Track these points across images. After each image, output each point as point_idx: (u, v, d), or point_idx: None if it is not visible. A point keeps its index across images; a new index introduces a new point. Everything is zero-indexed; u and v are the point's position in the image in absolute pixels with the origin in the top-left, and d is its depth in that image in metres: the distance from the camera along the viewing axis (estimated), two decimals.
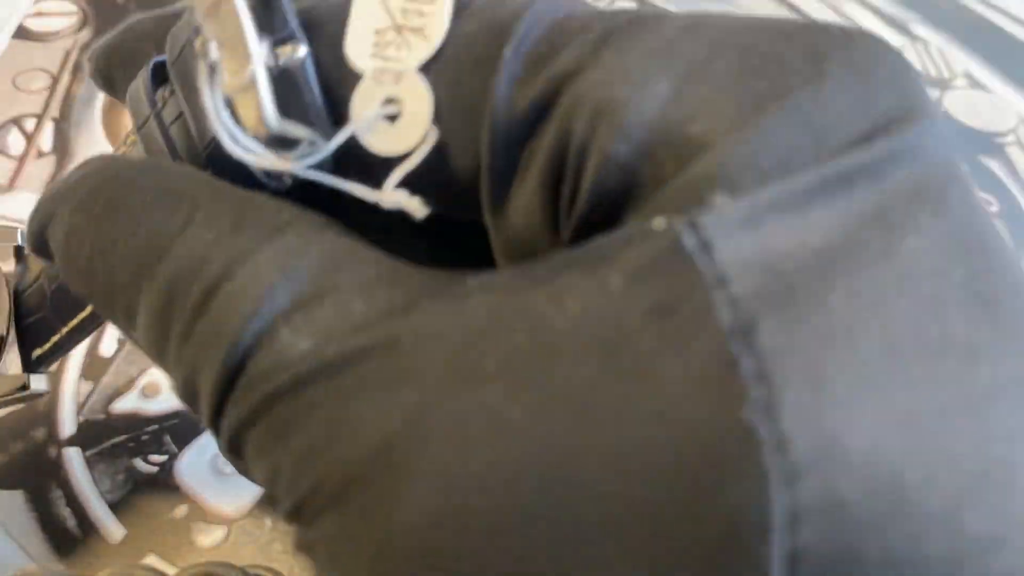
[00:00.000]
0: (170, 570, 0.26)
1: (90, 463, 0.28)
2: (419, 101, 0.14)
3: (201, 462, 0.28)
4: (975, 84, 0.43)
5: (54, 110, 0.38)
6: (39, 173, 0.36)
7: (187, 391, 0.14)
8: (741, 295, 0.11)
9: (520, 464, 0.11)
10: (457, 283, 0.13)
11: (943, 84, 0.43)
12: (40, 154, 0.36)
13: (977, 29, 0.46)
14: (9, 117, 0.38)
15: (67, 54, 0.40)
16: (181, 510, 0.27)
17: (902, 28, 0.46)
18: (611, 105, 0.12)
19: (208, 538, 0.27)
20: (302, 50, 0.15)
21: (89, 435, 0.29)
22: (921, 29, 0.46)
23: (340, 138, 0.14)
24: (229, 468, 0.28)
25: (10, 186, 0.35)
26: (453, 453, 0.11)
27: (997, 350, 0.11)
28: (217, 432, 0.14)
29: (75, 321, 0.21)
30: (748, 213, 0.11)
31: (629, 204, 0.13)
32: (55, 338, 0.21)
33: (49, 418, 0.29)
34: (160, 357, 0.14)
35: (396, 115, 0.14)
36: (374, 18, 0.15)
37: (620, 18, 0.14)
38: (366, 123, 0.14)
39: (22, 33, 0.41)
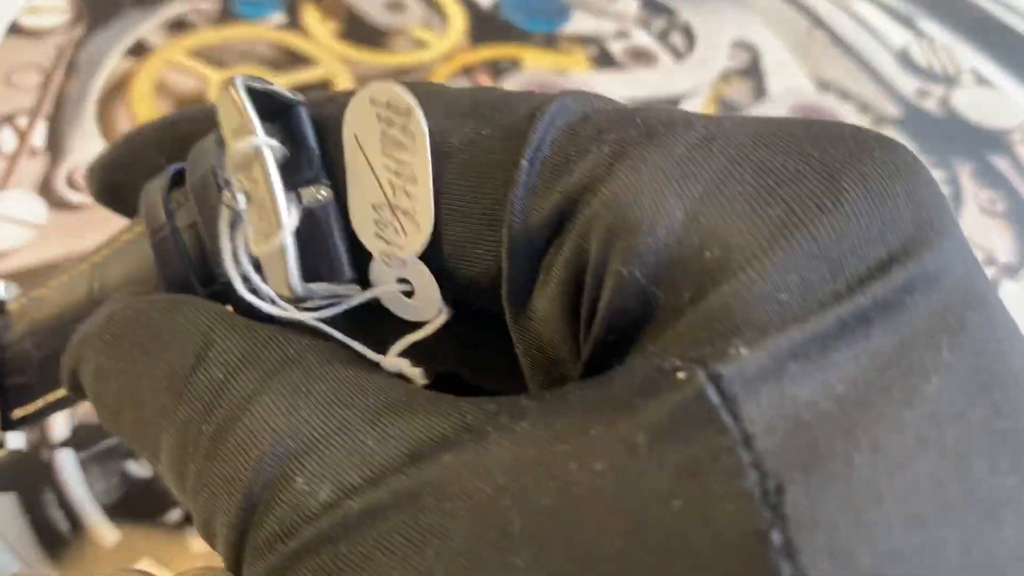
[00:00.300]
0: (164, 574, 0.26)
1: (83, 466, 0.28)
2: (428, 286, 0.15)
3: None
4: (982, 81, 0.43)
5: (47, 107, 0.38)
6: (32, 171, 0.35)
7: (206, 533, 0.14)
8: (766, 454, 0.10)
9: None
10: (474, 422, 0.12)
11: (949, 81, 0.43)
12: (33, 152, 0.36)
13: (984, 25, 0.46)
14: (2, 114, 0.37)
15: (61, 51, 0.40)
16: (175, 514, 0.27)
17: (908, 24, 0.46)
18: (626, 227, 0.12)
19: (202, 542, 0.26)
20: (326, 193, 0.15)
21: (82, 438, 0.28)
22: (927, 25, 0.46)
23: (358, 299, 0.15)
24: None
25: (2, 184, 0.35)
26: None
27: (1021, 499, 0.11)
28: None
29: (61, 393, 0.20)
30: (769, 363, 0.11)
31: (646, 326, 0.12)
32: (40, 403, 0.20)
33: (40, 421, 0.28)
34: (181, 497, 0.14)
35: (410, 292, 0.15)
36: (370, 191, 0.15)
37: (634, 126, 0.13)
38: (385, 295, 0.15)
39: (15, 29, 0.40)
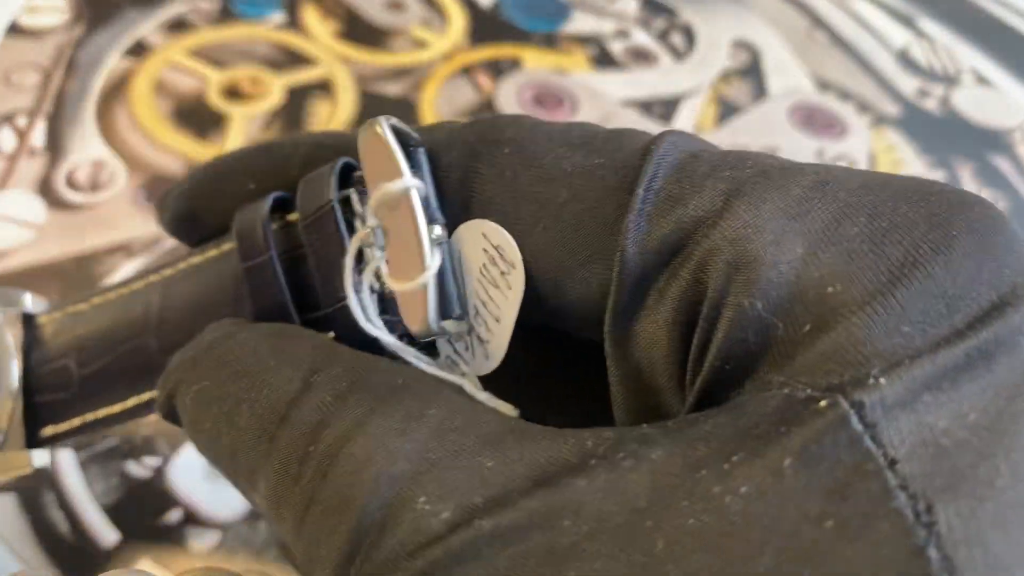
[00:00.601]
0: (163, 574, 0.26)
1: (83, 466, 0.28)
2: (502, 346, 0.16)
3: (195, 466, 0.28)
4: (982, 80, 0.43)
5: (47, 107, 0.37)
6: (31, 171, 0.35)
7: (310, 557, 0.13)
8: (912, 476, 0.11)
9: None
10: (596, 449, 0.13)
11: (949, 80, 0.43)
12: (32, 152, 0.36)
13: (984, 25, 0.46)
14: (1, 113, 0.37)
15: (60, 50, 0.40)
16: (175, 514, 0.27)
17: (908, 23, 0.46)
18: (747, 260, 0.13)
19: (202, 543, 0.26)
20: (441, 231, 0.15)
21: (82, 438, 0.28)
22: (928, 25, 0.46)
23: (473, 369, 0.16)
24: None
25: (2, 184, 0.35)
26: None
27: None
28: None
29: (103, 413, 0.20)
30: (905, 392, 0.11)
31: (763, 356, 0.13)
32: (76, 422, 0.20)
33: None
34: (280, 523, 0.14)
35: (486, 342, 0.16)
36: (477, 255, 0.16)
37: (746, 167, 0.14)
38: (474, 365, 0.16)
39: (15, 29, 0.40)
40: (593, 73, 0.41)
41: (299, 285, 0.17)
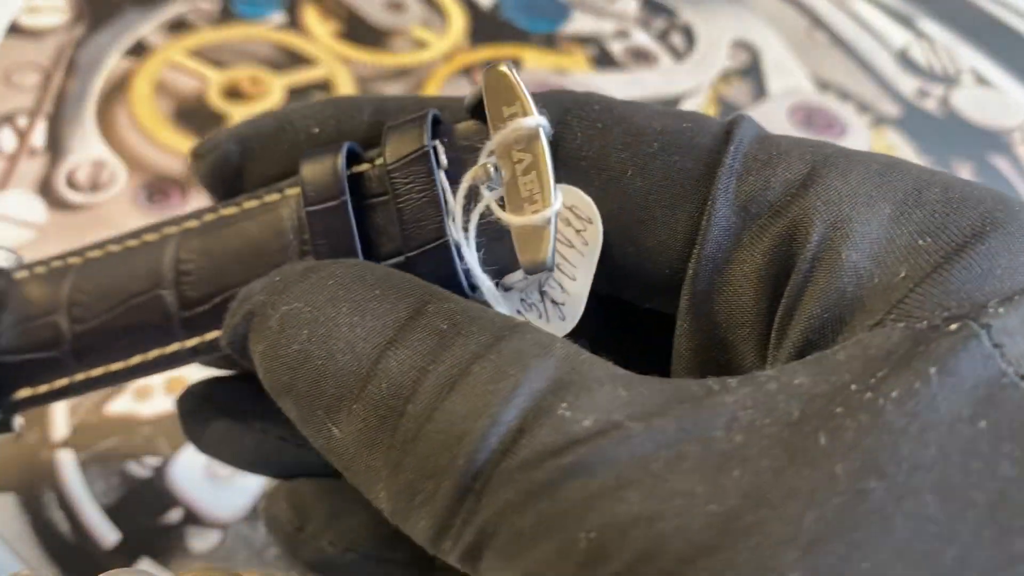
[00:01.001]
0: (163, 574, 0.26)
1: (83, 466, 0.28)
2: (579, 306, 0.16)
3: (195, 466, 0.28)
4: (981, 81, 0.43)
5: (47, 107, 0.37)
6: (32, 171, 0.35)
7: (408, 493, 0.13)
8: None
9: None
10: (725, 383, 0.13)
11: (949, 81, 0.43)
12: (32, 152, 0.36)
13: (983, 25, 0.46)
14: (1, 113, 0.37)
15: (60, 51, 0.40)
16: (175, 514, 0.27)
17: (908, 24, 0.46)
18: (843, 218, 0.15)
19: (202, 542, 0.27)
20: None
21: (82, 438, 0.28)
22: (927, 25, 0.46)
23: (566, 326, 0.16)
24: (224, 471, 0.28)
25: (2, 184, 0.35)
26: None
27: None
28: (452, 532, 0.13)
29: (99, 372, 0.19)
30: (1020, 321, 0.13)
31: (861, 306, 0.14)
32: (61, 382, 0.19)
33: (42, 420, 0.28)
34: (371, 454, 0.14)
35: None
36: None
37: (824, 147, 0.16)
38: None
39: (15, 29, 0.40)
40: (593, 73, 0.41)
41: (362, 236, 0.17)
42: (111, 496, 0.27)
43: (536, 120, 0.15)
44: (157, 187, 0.35)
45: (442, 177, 0.16)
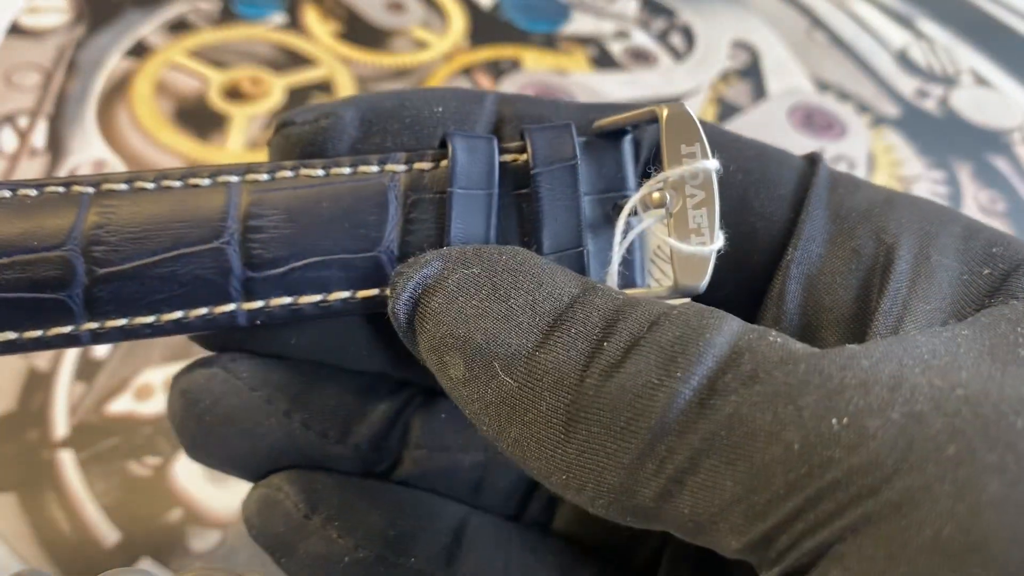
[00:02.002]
0: (164, 574, 0.26)
1: (84, 466, 0.28)
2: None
3: (196, 466, 0.28)
4: (981, 81, 0.43)
5: (48, 107, 0.38)
6: (33, 171, 0.35)
7: (631, 408, 0.14)
8: None
9: None
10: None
11: (949, 81, 0.43)
12: (33, 152, 0.36)
13: (983, 26, 0.46)
14: (2, 114, 0.37)
15: (61, 51, 0.40)
16: (176, 513, 0.27)
17: (908, 24, 0.46)
18: (926, 230, 0.17)
19: (203, 542, 0.27)
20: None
21: (82, 437, 0.28)
22: (927, 26, 0.46)
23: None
24: None
25: None
26: None
27: None
28: (653, 461, 0.14)
29: (119, 322, 0.16)
30: None
31: (954, 299, 0.16)
32: (64, 329, 0.16)
33: (42, 420, 0.28)
34: (521, 414, 0.15)
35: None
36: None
37: (880, 190, 0.19)
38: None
39: (16, 29, 0.40)
40: (593, 73, 0.41)
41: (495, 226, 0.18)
42: (111, 496, 0.27)
43: (714, 164, 0.17)
44: None
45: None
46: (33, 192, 0.17)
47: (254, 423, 0.20)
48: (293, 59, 0.40)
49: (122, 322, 0.16)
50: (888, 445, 0.12)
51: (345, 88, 0.39)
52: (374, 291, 0.17)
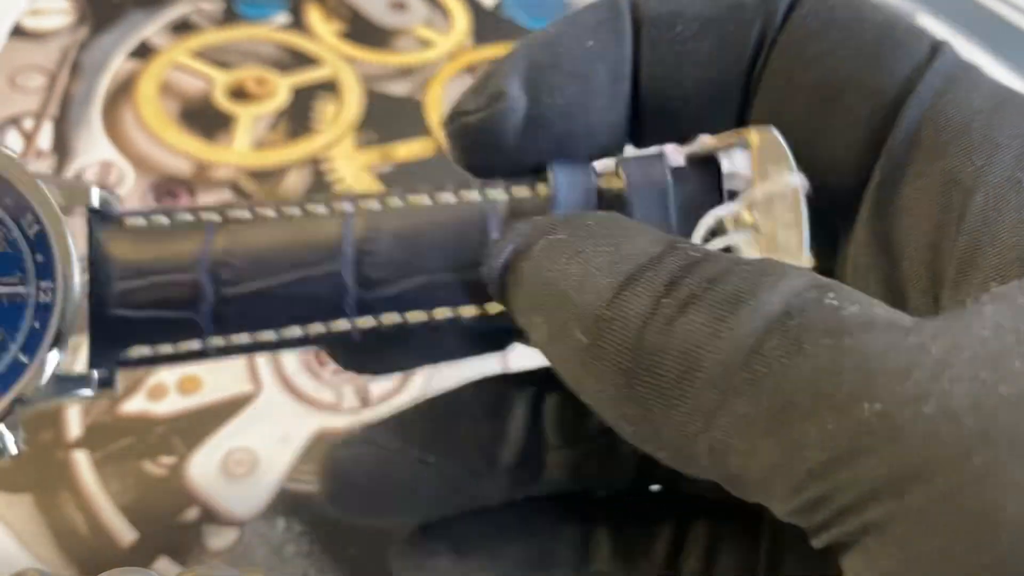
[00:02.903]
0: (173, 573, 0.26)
1: (98, 466, 0.28)
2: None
3: (211, 464, 0.28)
4: None
5: (52, 109, 0.37)
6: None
7: (682, 364, 0.14)
8: None
9: None
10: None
11: None
12: (39, 154, 0.36)
13: (984, 21, 0.46)
14: (7, 116, 0.37)
15: (64, 53, 0.40)
16: (192, 512, 0.27)
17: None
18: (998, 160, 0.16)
19: (220, 540, 0.27)
20: None
21: (96, 437, 0.28)
22: (927, 21, 0.46)
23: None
24: (240, 470, 0.28)
25: None
26: None
27: None
28: (713, 423, 0.14)
29: (243, 338, 0.18)
30: None
31: None
32: (194, 345, 0.18)
33: (55, 420, 0.28)
34: (635, 354, 0.14)
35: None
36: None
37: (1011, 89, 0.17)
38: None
39: (19, 32, 0.40)
40: None
41: None
42: (127, 495, 0.27)
43: (802, 184, 0.17)
44: (165, 188, 0.35)
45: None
46: (165, 220, 0.18)
47: (408, 489, 0.21)
48: (297, 59, 0.40)
49: (246, 338, 0.18)
50: (915, 443, 0.12)
51: (351, 88, 0.39)
52: (475, 309, 0.18)
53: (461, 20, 0.43)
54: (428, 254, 0.18)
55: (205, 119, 0.38)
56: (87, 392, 0.18)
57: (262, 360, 0.30)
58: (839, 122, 0.17)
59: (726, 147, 0.18)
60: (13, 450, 0.18)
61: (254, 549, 0.26)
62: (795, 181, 0.17)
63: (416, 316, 0.18)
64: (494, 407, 0.21)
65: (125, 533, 0.26)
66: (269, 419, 0.29)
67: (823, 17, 0.17)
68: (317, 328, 0.18)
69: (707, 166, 0.19)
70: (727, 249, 0.18)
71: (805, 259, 0.17)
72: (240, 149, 0.37)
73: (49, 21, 0.41)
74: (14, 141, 0.36)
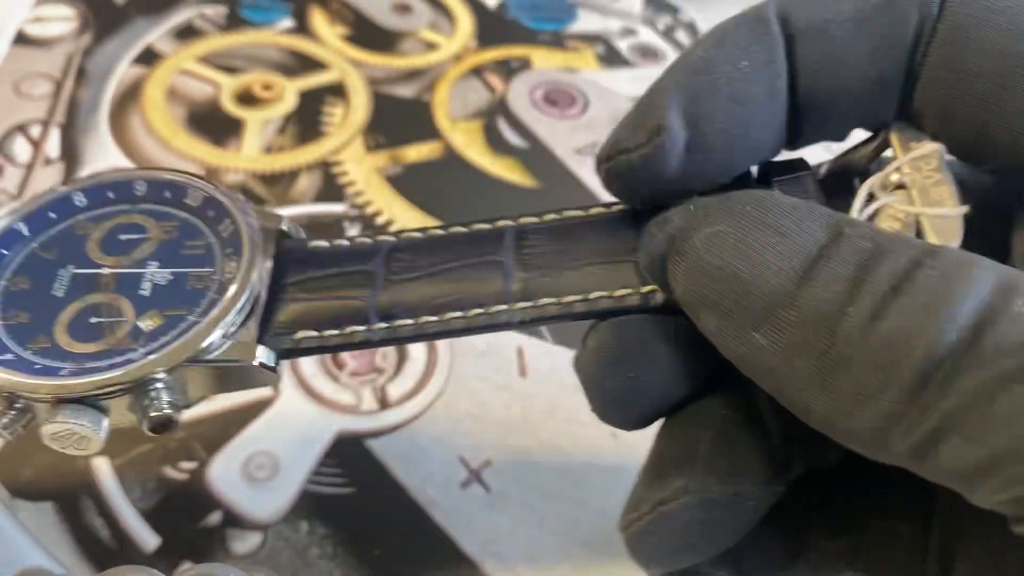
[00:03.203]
0: None
1: (119, 472, 0.28)
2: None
3: (232, 468, 0.28)
4: None
5: (59, 116, 0.37)
6: (48, 180, 0.35)
7: (850, 391, 0.14)
8: None
9: None
10: None
11: None
12: (48, 161, 0.36)
13: None
14: (13, 124, 0.37)
15: (70, 59, 0.40)
16: (214, 517, 0.27)
17: None
18: None
19: (243, 544, 0.27)
20: None
21: (116, 444, 0.28)
22: None
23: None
24: (262, 473, 0.28)
25: (19, 194, 0.35)
26: None
27: None
28: (904, 423, 0.14)
29: (406, 323, 0.19)
30: None
31: None
32: (359, 328, 0.19)
33: None
34: (802, 359, 0.15)
35: None
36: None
37: None
38: None
39: (22, 39, 0.40)
40: (602, 71, 0.41)
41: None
42: (149, 501, 0.27)
43: (941, 146, 0.18)
44: None
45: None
46: (345, 242, 0.21)
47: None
48: (303, 63, 0.40)
49: (409, 324, 0.19)
50: None
51: (357, 91, 0.39)
52: (632, 292, 0.19)
53: (465, 22, 0.43)
54: (584, 245, 0.19)
55: (213, 124, 0.38)
56: (251, 362, 0.19)
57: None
58: (1016, 107, 0.17)
59: (877, 153, 0.19)
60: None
61: (278, 553, 0.26)
62: (935, 144, 0.18)
63: (573, 299, 0.19)
64: (746, 418, 0.19)
65: (148, 539, 0.26)
66: (289, 422, 0.29)
67: (981, 3, 0.17)
68: (476, 311, 0.19)
69: (850, 178, 0.19)
70: (880, 212, 0.18)
71: (959, 209, 0.17)
72: (249, 153, 0.37)
73: (52, 28, 0.41)
74: (22, 148, 0.36)
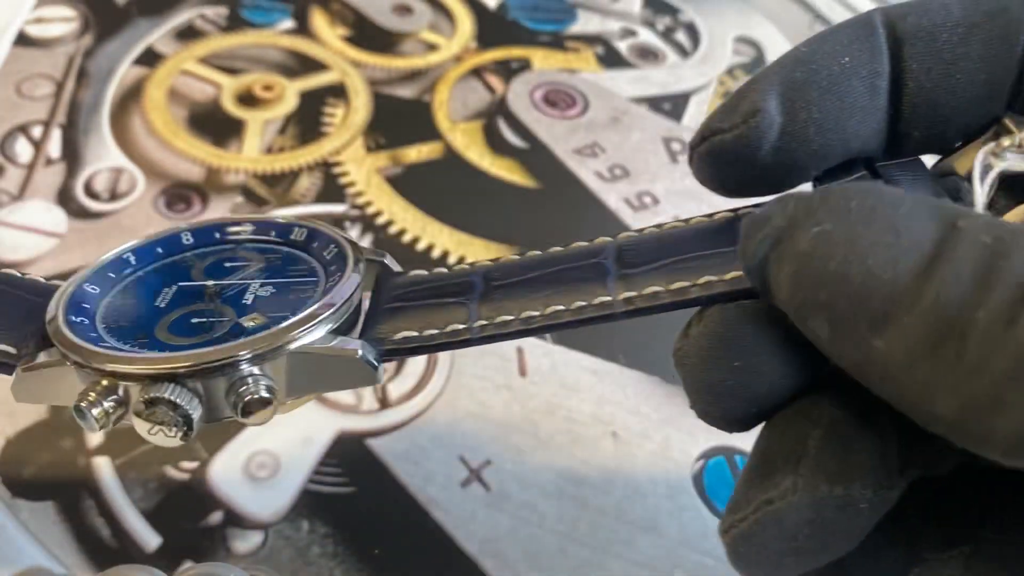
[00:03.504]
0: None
1: (120, 472, 0.28)
2: None
3: (233, 468, 0.28)
4: None
5: (60, 116, 0.37)
6: (49, 181, 0.35)
7: (986, 396, 0.13)
8: None
9: None
10: None
11: None
12: (49, 161, 0.36)
13: None
14: (15, 124, 0.37)
15: (71, 59, 0.40)
16: (215, 516, 0.27)
17: None
18: None
19: (244, 543, 0.27)
20: None
21: (117, 444, 0.28)
22: None
23: None
24: (263, 473, 0.28)
25: (20, 195, 0.35)
26: None
27: None
28: None
29: (507, 318, 0.19)
30: None
31: None
32: (458, 327, 0.20)
33: (76, 428, 0.28)
34: (928, 364, 0.14)
35: None
36: None
37: None
38: None
39: (23, 40, 0.40)
40: (602, 72, 0.41)
41: None
42: (150, 500, 0.27)
43: None
44: (176, 193, 0.35)
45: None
46: (444, 269, 0.21)
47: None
48: (304, 64, 0.41)
49: (510, 318, 0.19)
50: None
51: (358, 92, 0.39)
52: (728, 282, 0.18)
53: (465, 23, 0.43)
54: (686, 243, 0.19)
55: (214, 124, 0.38)
56: (353, 356, 0.19)
57: None
58: None
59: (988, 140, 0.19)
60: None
61: (279, 552, 0.26)
62: None
63: (682, 284, 0.19)
64: (857, 418, 0.18)
65: (149, 538, 0.27)
66: (290, 421, 0.29)
67: None
68: (580, 306, 0.19)
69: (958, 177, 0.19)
70: (1006, 178, 0.18)
71: None
72: (250, 154, 0.37)
73: (53, 29, 0.41)
74: (23, 149, 0.36)
